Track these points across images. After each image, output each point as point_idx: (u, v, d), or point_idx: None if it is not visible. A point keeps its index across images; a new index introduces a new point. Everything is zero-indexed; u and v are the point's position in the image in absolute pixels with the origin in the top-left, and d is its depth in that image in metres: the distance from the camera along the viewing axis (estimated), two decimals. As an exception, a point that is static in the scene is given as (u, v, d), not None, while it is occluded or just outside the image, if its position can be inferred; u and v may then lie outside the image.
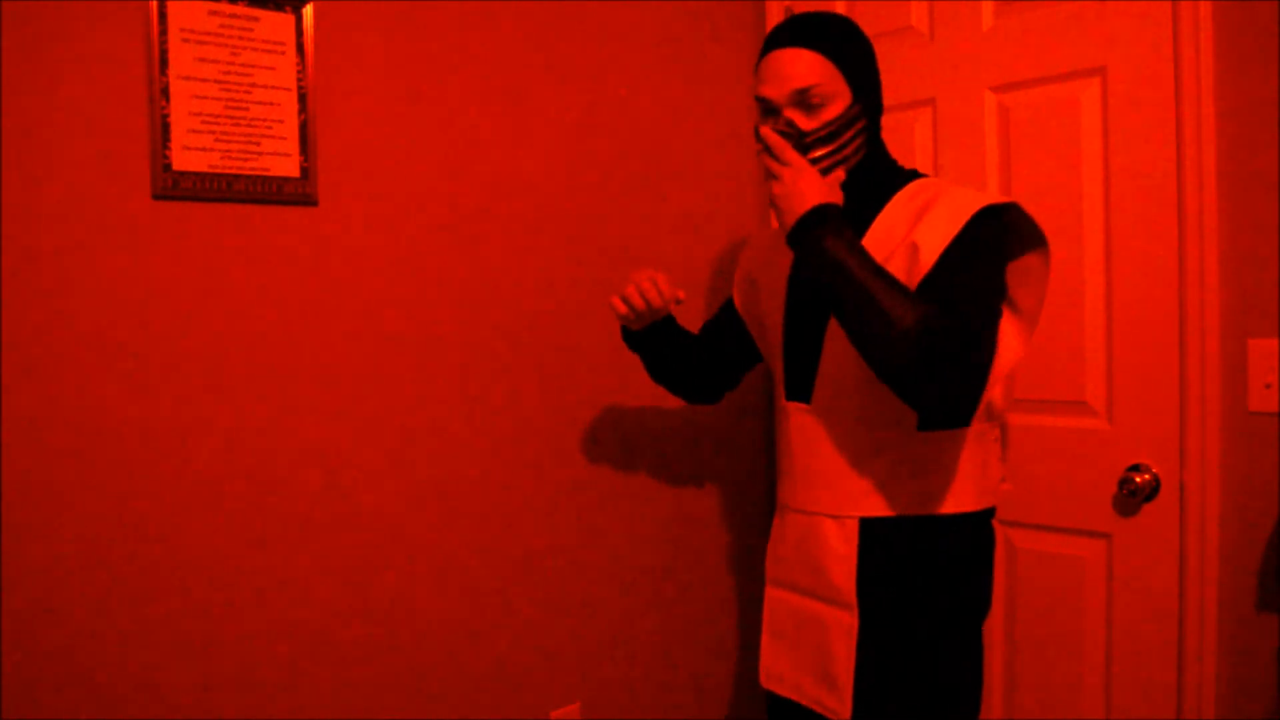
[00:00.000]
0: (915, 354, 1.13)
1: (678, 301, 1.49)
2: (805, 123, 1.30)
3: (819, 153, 1.30)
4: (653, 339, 1.59)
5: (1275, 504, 1.50)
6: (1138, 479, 1.61)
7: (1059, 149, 1.71)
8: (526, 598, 1.82)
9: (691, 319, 2.01)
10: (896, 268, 1.28)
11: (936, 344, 1.13)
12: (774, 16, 2.12)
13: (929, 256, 1.24)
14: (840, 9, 2.02)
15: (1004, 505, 1.78)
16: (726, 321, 1.66)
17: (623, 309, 1.49)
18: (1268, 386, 1.50)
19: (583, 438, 1.89)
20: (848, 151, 1.32)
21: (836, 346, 1.35)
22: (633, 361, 1.95)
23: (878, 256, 1.31)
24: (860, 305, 1.17)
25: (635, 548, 1.97)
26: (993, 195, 1.29)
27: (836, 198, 1.25)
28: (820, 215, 1.20)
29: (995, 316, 1.22)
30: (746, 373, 1.73)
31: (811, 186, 1.22)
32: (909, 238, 1.28)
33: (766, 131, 1.27)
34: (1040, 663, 1.77)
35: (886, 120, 1.94)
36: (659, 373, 1.66)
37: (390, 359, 1.65)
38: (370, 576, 1.63)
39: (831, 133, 1.30)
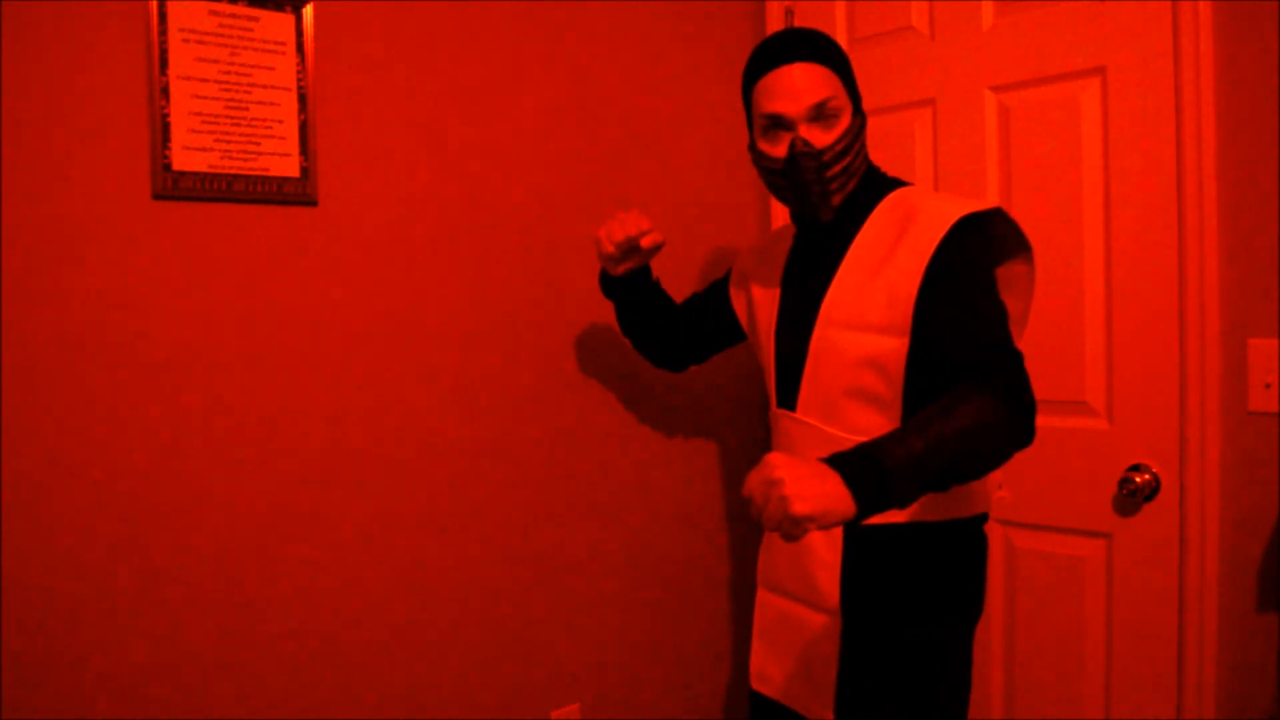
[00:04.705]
0: (1027, 427, 1.16)
1: (657, 246, 1.55)
2: (821, 138, 1.31)
3: (837, 169, 1.31)
4: (628, 287, 1.64)
5: (1275, 504, 1.50)
6: (1138, 479, 1.61)
7: (1059, 149, 1.70)
8: (527, 599, 1.82)
9: (691, 319, 2.01)
10: (885, 285, 1.29)
11: (1021, 408, 1.15)
12: (774, 14, 2.12)
13: (916, 267, 1.27)
14: (840, 9, 2.02)
15: (1004, 505, 1.78)
16: (715, 303, 1.69)
17: (605, 244, 1.54)
18: (1268, 386, 1.50)
19: (583, 438, 1.89)
20: (857, 163, 1.34)
21: (819, 360, 1.36)
22: (633, 361, 1.95)
23: (864, 266, 1.32)
24: (972, 461, 1.09)
25: (635, 549, 1.97)
26: (972, 203, 1.30)
27: (840, 491, 0.99)
28: (865, 505, 0.99)
29: (1009, 328, 1.25)
30: (716, 353, 1.77)
31: (815, 487, 0.97)
32: (894, 250, 1.30)
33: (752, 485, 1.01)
34: (1040, 663, 1.77)
35: (886, 120, 1.95)
36: (629, 325, 1.71)
37: (390, 358, 1.65)
38: (370, 577, 1.63)
39: (846, 146, 1.31)
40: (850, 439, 1.32)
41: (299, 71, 1.53)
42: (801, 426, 1.39)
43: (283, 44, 1.51)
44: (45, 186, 1.33)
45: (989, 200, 1.79)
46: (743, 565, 2.14)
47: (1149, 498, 1.61)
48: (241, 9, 1.47)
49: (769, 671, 1.49)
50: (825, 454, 1.10)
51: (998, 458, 1.12)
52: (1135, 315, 1.63)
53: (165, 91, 1.41)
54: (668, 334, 1.71)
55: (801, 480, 0.96)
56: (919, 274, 1.26)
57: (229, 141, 1.46)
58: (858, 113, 1.35)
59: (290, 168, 1.52)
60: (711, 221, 2.09)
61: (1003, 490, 1.75)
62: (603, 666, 1.93)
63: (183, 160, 1.42)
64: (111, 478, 1.39)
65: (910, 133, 1.92)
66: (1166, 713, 1.61)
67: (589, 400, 1.90)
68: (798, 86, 1.29)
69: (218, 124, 1.46)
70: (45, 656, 1.33)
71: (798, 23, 2.10)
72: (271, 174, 1.51)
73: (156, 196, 1.41)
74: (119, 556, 1.39)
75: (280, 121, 1.51)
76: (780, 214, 2.14)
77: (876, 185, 1.40)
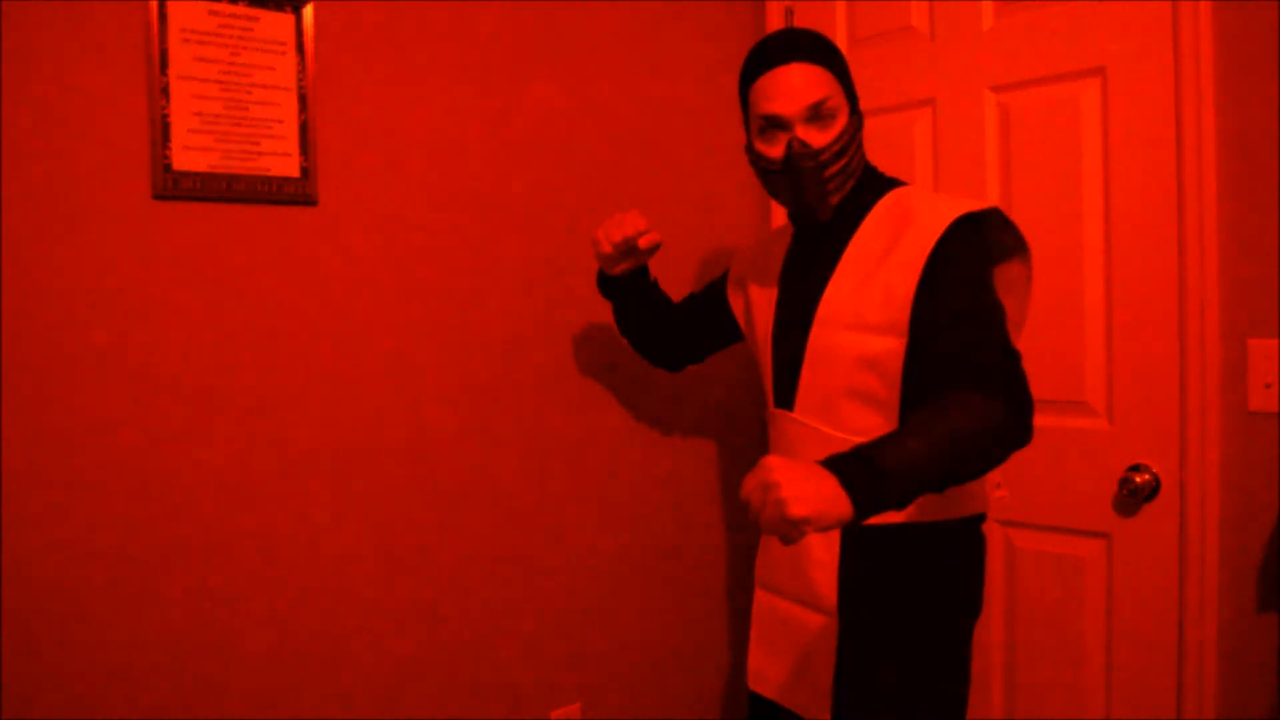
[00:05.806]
0: (1025, 427, 1.15)
1: (655, 246, 1.55)
2: (818, 139, 1.31)
3: (834, 169, 1.31)
4: (625, 287, 1.64)
5: (1275, 504, 1.50)
6: (1138, 479, 1.61)
7: (1059, 149, 1.70)
8: (527, 600, 1.82)
9: (691, 319, 2.01)
10: (882, 284, 1.29)
11: (1018, 408, 1.14)
12: (774, 14, 2.12)
13: (913, 266, 1.26)
14: (841, 9, 2.02)
15: (1004, 505, 1.78)
16: (713, 303, 1.69)
17: (603, 244, 1.54)
18: (1268, 386, 1.50)
19: (582, 440, 1.89)
20: (854, 163, 1.34)
21: (816, 360, 1.35)
22: (632, 361, 1.95)
23: (861, 266, 1.32)
24: (969, 461, 1.08)
25: (634, 548, 1.97)
26: (970, 202, 1.29)
27: (837, 493, 0.98)
28: (862, 507, 0.99)
29: (1006, 328, 1.24)
30: (714, 353, 1.77)
31: (812, 490, 0.96)
32: (891, 250, 1.30)
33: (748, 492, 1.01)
34: (1040, 663, 1.76)
35: (886, 120, 1.95)
36: (626, 325, 1.72)
37: (390, 359, 1.65)
38: (369, 576, 1.63)
39: (843, 146, 1.31)
40: (848, 439, 1.32)
41: (299, 71, 1.53)
42: (799, 427, 1.39)
43: (283, 44, 1.51)
44: (45, 186, 1.33)
45: (988, 200, 1.79)
46: (741, 565, 2.14)
47: (1149, 498, 1.61)
48: (241, 9, 1.47)
49: (766, 672, 1.49)
50: (823, 454, 1.10)
51: (995, 458, 1.12)
52: (1135, 315, 1.63)
53: (165, 91, 1.41)
54: (665, 334, 1.71)
55: (798, 482, 0.95)
56: (916, 273, 1.26)
57: (229, 141, 1.47)
58: (855, 113, 1.35)
59: (290, 168, 1.53)
60: (710, 221, 2.09)
61: (1002, 490, 1.75)
62: (603, 666, 1.93)
63: (183, 160, 1.43)
64: (112, 476, 1.39)
65: (910, 133, 1.92)
66: (1166, 713, 1.61)
67: (587, 400, 1.90)
68: (794, 87, 1.29)
69: (218, 124, 1.46)
70: (45, 656, 1.34)
71: (797, 23, 2.10)
72: (272, 174, 1.51)
73: (156, 196, 1.41)
74: (119, 555, 1.39)
75: (280, 121, 1.51)
76: (779, 214, 2.14)
77: (874, 185, 1.39)
